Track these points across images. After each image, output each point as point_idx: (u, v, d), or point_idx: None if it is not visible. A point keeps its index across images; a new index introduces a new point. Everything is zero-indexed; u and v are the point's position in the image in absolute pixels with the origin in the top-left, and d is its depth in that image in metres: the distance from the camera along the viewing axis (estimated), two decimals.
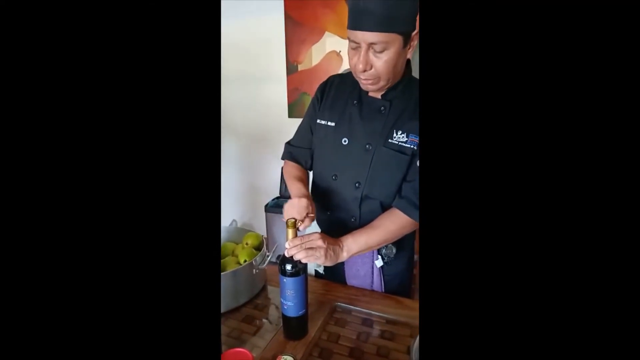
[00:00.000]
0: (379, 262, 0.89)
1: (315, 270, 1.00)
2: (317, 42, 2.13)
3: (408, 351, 0.69)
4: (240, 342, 0.73)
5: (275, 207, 2.22)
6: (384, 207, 0.85)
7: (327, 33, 2.10)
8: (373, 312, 0.81)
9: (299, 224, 0.74)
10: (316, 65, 2.16)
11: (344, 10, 2.00)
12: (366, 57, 0.70)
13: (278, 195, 2.32)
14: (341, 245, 0.77)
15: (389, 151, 0.81)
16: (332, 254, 0.75)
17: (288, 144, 1.00)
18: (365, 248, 0.80)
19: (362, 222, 0.83)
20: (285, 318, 0.73)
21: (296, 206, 0.77)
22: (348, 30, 0.71)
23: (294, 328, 0.73)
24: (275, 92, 2.29)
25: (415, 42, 0.74)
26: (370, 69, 0.72)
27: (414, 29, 0.71)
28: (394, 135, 0.80)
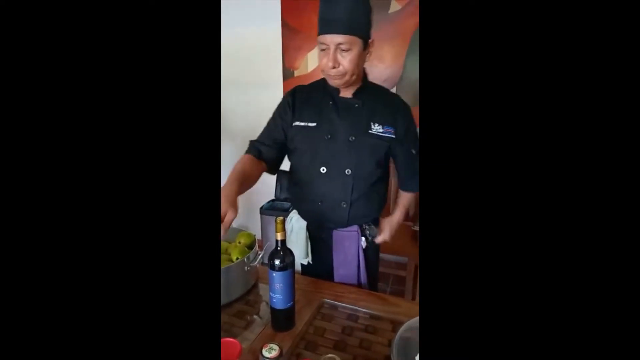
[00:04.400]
0: (363, 243, 1.02)
1: (301, 264, 1.06)
2: (313, 49, 2.18)
3: (389, 344, 0.73)
4: (232, 335, 0.76)
5: (270, 209, 2.26)
6: (369, 185, 0.98)
7: None
8: (358, 308, 0.85)
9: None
10: (312, 71, 2.21)
11: None
12: (335, 56, 0.85)
13: (273, 198, 2.36)
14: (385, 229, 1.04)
15: (370, 139, 0.95)
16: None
17: (254, 141, 1.03)
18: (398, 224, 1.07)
19: (352, 206, 0.97)
20: (273, 310, 0.77)
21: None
22: (319, 35, 0.85)
23: (281, 320, 0.77)
24: (272, 97, 2.30)
25: (372, 49, 0.90)
26: (339, 66, 0.86)
27: (370, 38, 0.88)
28: (372, 126, 0.96)
